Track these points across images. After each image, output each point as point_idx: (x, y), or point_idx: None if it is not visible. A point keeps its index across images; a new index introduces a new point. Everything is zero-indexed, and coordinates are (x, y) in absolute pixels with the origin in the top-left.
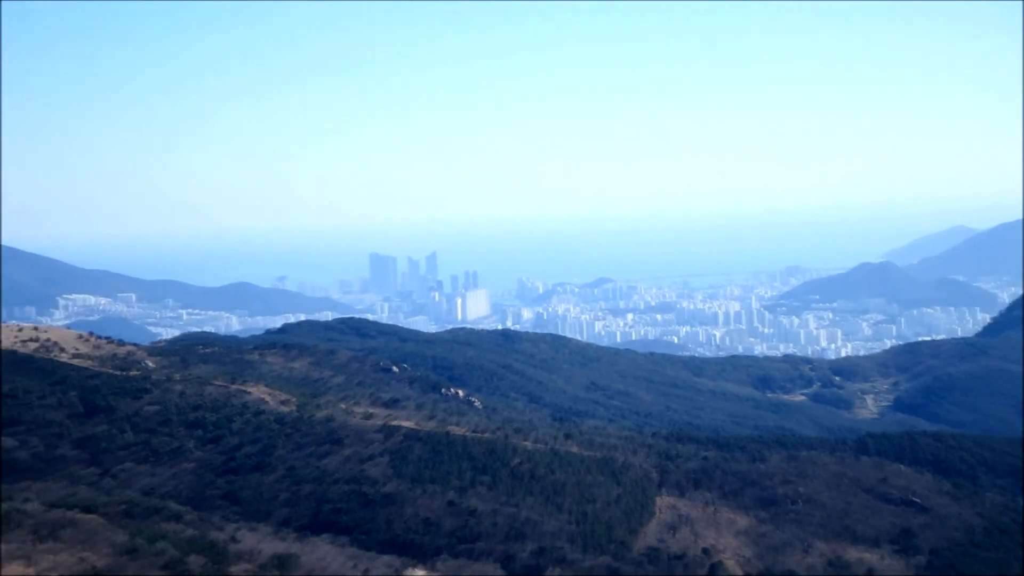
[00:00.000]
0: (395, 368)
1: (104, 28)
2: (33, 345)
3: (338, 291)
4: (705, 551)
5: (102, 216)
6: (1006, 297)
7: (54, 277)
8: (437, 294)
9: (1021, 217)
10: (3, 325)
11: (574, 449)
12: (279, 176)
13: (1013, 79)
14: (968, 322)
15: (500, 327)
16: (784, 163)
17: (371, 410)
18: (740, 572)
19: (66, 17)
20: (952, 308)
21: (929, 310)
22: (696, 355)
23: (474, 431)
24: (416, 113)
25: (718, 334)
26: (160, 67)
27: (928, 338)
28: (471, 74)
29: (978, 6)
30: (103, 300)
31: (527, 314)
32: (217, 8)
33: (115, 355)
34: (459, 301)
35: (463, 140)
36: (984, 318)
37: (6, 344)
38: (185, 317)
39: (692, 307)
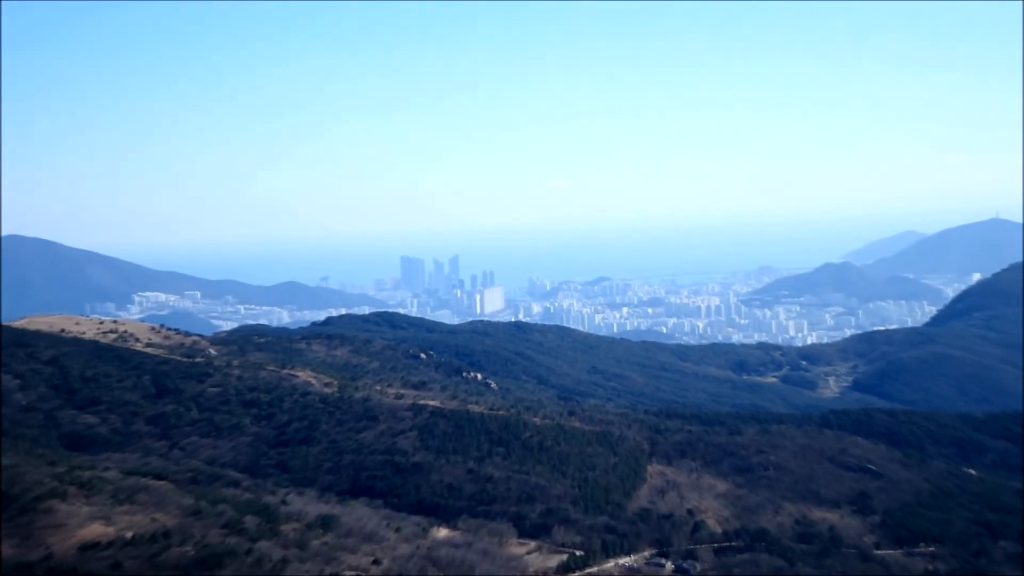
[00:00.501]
0: (423, 355)
1: (185, 51)
2: (112, 336)
3: (374, 289)
4: (689, 512)
5: (172, 224)
6: (950, 292)
7: (130, 278)
8: (459, 291)
9: (963, 224)
10: (87, 318)
11: (577, 424)
12: (324, 189)
13: (965, 100)
14: (917, 314)
15: (513, 319)
16: (757, 175)
17: (402, 391)
18: (719, 530)
19: (168, 28)
20: (903, 302)
21: (883, 303)
22: (682, 343)
23: (490, 409)
24: (444, 134)
25: (701, 325)
26: (218, 94)
27: (882, 328)
28: (486, 98)
29: (927, 24)
30: (172, 297)
31: (536, 308)
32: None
33: (182, 344)
34: (478, 297)
35: (480, 156)
36: (931, 310)
37: (90, 335)
38: (242, 312)
39: (678, 302)
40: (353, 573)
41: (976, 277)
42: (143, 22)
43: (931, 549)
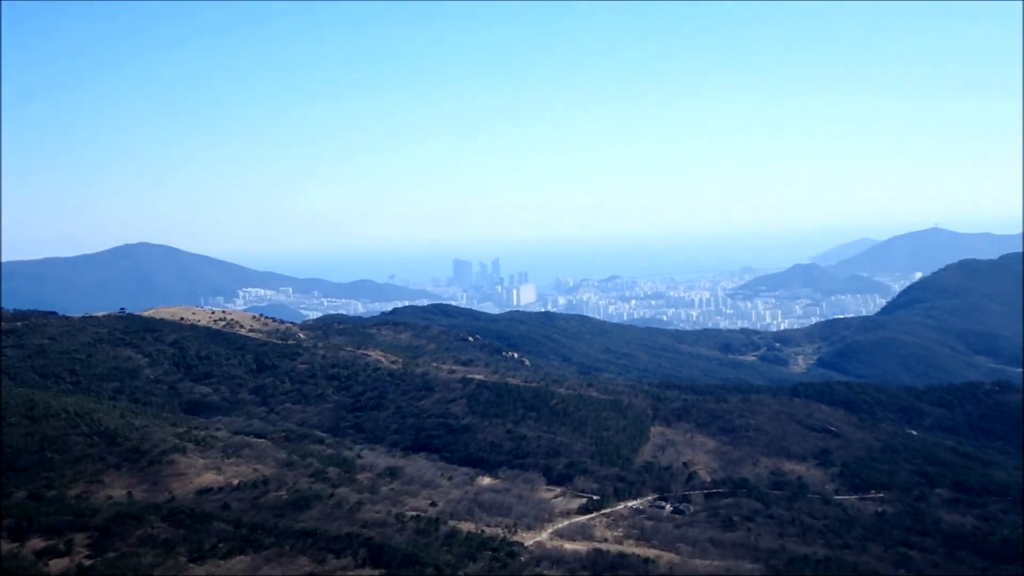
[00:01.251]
0: (470, 338)
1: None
2: (221, 323)
3: (431, 285)
4: (684, 464)
5: (269, 233)
6: (896, 288)
7: (236, 276)
8: (500, 287)
9: (908, 232)
10: (202, 309)
11: (594, 394)
12: (391, 204)
13: (913, 123)
14: (870, 305)
15: (543, 310)
16: (741, 192)
17: (453, 367)
18: (709, 479)
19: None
20: (858, 295)
21: (842, 297)
22: (678, 329)
23: (524, 381)
24: (488, 158)
25: (694, 314)
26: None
27: (841, 316)
28: (524, 128)
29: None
30: (269, 292)
31: (562, 300)
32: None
33: (277, 330)
34: (515, 292)
35: (518, 177)
36: (881, 302)
37: (204, 322)
38: (325, 304)
39: (676, 295)
40: (415, 513)
41: (918, 276)
42: (245, 47)
43: (880, 495)
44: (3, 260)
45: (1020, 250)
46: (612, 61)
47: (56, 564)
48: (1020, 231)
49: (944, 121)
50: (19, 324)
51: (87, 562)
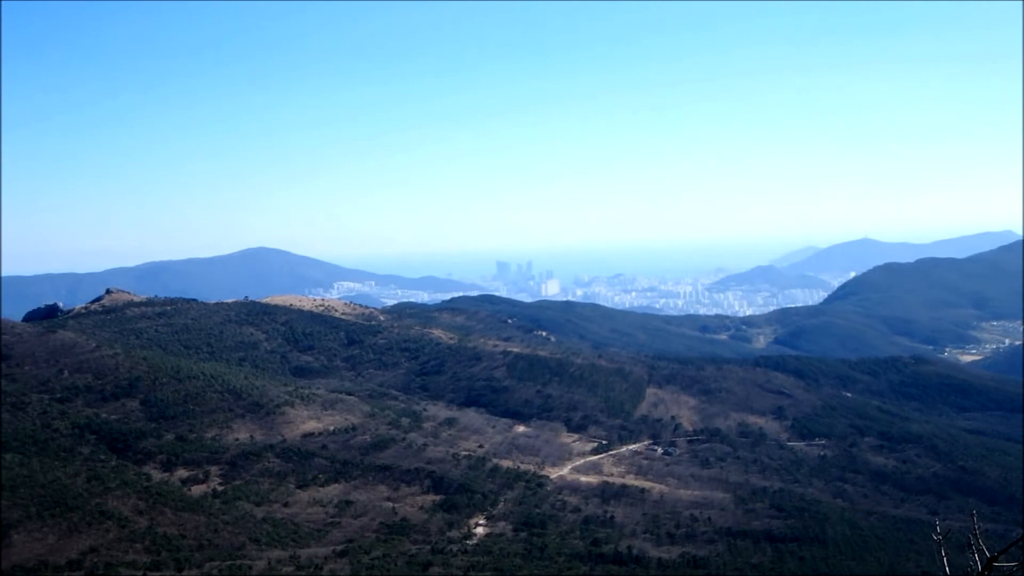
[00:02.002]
0: (509, 320)
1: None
2: (321, 308)
3: (480, 280)
4: (672, 417)
5: (357, 238)
6: (835, 284)
7: (331, 273)
8: (532, 282)
9: (845, 241)
10: (306, 297)
11: (603, 363)
12: (448, 214)
13: (850, 144)
14: (815, 297)
15: (564, 299)
16: (714, 207)
17: (496, 342)
18: (691, 428)
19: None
20: (806, 290)
21: (793, 291)
22: (668, 315)
23: (550, 353)
24: (522, 179)
25: (680, 303)
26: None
27: (792, 306)
28: (550, 153)
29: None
30: (357, 285)
31: (579, 292)
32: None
33: (363, 314)
34: (543, 286)
35: (543, 195)
36: (823, 295)
37: (307, 307)
38: (399, 294)
39: (666, 289)
40: (466, 452)
41: (851, 275)
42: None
43: (822, 442)
44: (156, 260)
45: (931, 256)
46: (618, 92)
47: (196, 489)
48: (930, 241)
49: (871, 150)
50: (169, 308)
51: (219, 488)
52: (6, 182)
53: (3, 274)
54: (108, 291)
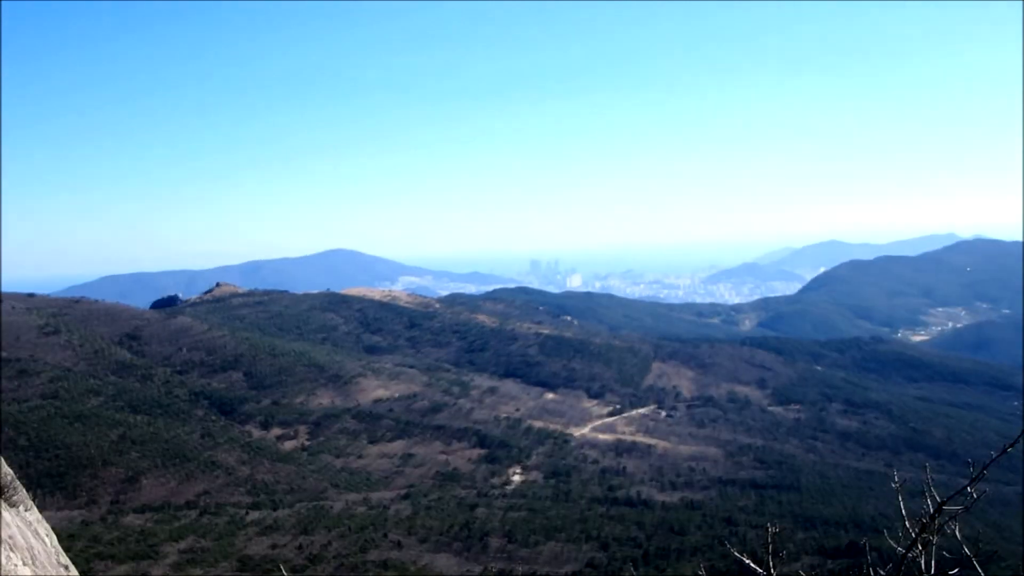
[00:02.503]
0: (540, 308)
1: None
2: (388, 298)
3: (516, 275)
4: (674, 386)
5: (417, 238)
6: (808, 277)
7: (396, 269)
8: (559, 276)
9: (816, 243)
10: (375, 289)
11: (617, 342)
12: (490, 219)
13: (820, 156)
14: (792, 289)
15: (585, 291)
16: (709, 211)
17: (529, 325)
18: (689, 395)
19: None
20: (784, 282)
21: (774, 283)
22: (670, 303)
23: (574, 335)
24: (542, 186)
25: (680, 293)
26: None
27: (773, 296)
28: (566, 166)
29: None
30: (416, 279)
31: (597, 284)
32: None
33: (421, 302)
34: (568, 279)
35: (567, 200)
36: (798, 287)
37: (376, 297)
38: (451, 286)
39: (669, 281)
40: (505, 415)
41: (822, 270)
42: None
43: (797, 407)
44: (256, 259)
45: (888, 254)
46: (632, 121)
47: (288, 444)
48: (887, 242)
49: (838, 165)
50: (265, 298)
51: (306, 443)
52: (145, 198)
53: (131, 271)
54: (217, 284)
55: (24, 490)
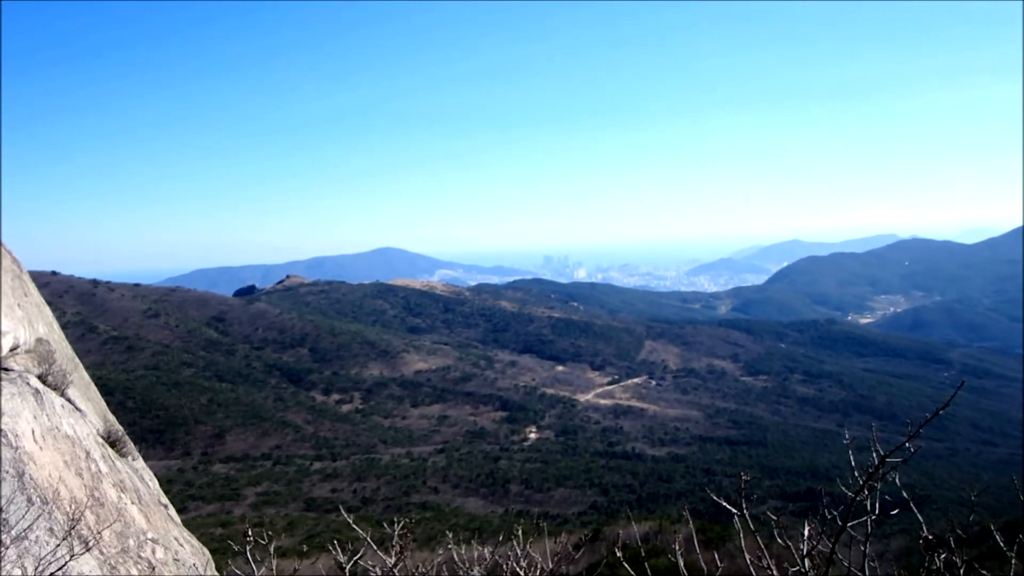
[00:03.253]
0: (552, 296)
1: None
2: (426, 287)
3: (532, 268)
4: (662, 360)
5: (451, 237)
6: (774, 270)
7: (434, 263)
8: (568, 269)
9: (781, 241)
10: (415, 280)
11: (615, 323)
12: (512, 221)
13: (789, 164)
14: (760, 280)
15: (590, 282)
16: (692, 214)
17: (543, 310)
18: (675, 368)
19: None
20: (754, 275)
21: (745, 275)
22: (659, 291)
23: (580, 318)
24: (557, 196)
25: (668, 283)
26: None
27: (745, 285)
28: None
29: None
30: (450, 271)
31: (599, 276)
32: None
33: (454, 291)
34: (575, 272)
35: (574, 203)
36: (765, 278)
37: (418, 287)
38: (479, 278)
39: (659, 273)
40: (524, 384)
41: (785, 264)
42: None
43: (764, 377)
44: (320, 255)
45: (840, 251)
46: (631, 137)
47: (345, 407)
48: (839, 241)
49: (797, 177)
50: (327, 288)
51: (360, 407)
52: (232, 208)
53: (218, 265)
54: (288, 276)
55: (132, 443)
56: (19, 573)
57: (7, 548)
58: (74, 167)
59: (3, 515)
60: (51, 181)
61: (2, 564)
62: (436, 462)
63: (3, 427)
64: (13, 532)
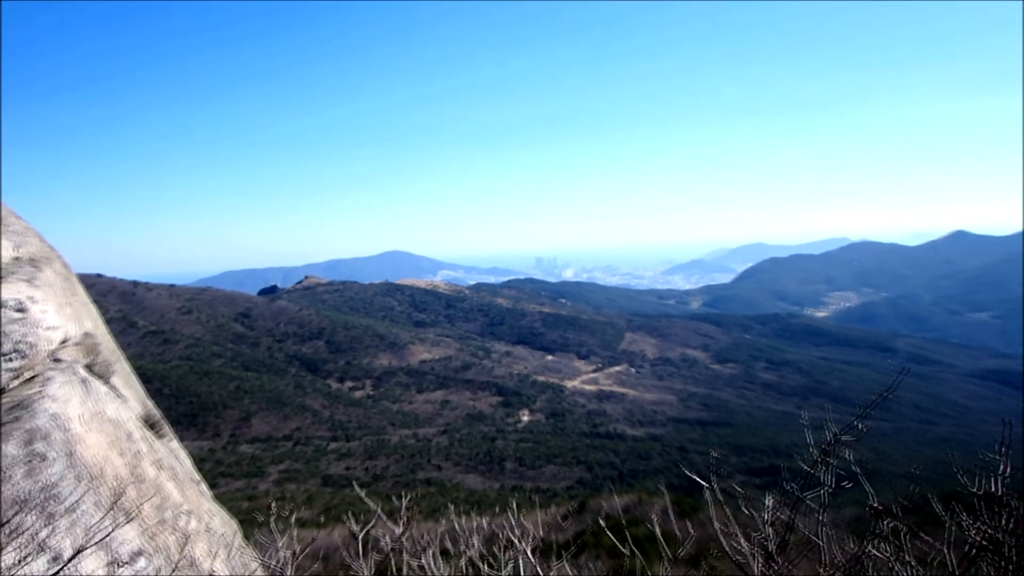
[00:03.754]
0: (543, 293)
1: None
2: (430, 286)
3: (525, 269)
4: (641, 350)
5: (452, 241)
6: (740, 270)
7: (436, 264)
8: (556, 269)
9: (746, 244)
10: (421, 279)
11: (600, 318)
12: (508, 227)
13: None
14: (728, 279)
15: (576, 281)
16: (666, 220)
17: (535, 306)
18: (652, 357)
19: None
20: (721, 274)
21: (715, 274)
22: (638, 289)
23: (568, 312)
24: (551, 202)
25: (645, 282)
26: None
27: (714, 283)
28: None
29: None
30: (451, 272)
31: (584, 276)
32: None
33: (455, 290)
34: (563, 272)
35: (564, 210)
36: (732, 277)
37: (422, 286)
38: (477, 278)
39: (637, 273)
40: (517, 372)
41: (750, 264)
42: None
43: (732, 365)
44: (334, 258)
45: (799, 253)
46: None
47: (358, 393)
48: (797, 243)
49: (758, 185)
50: (342, 287)
51: (371, 393)
52: (256, 216)
53: (244, 268)
54: (306, 277)
55: (168, 426)
56: (71, 541)
57: (61, 519)
58: (117, 181)
59: (56, 490)
60: (96, 193)
61: (57, 533)
62: (439, 442)
63: (55, 411)
64: (65, 505)
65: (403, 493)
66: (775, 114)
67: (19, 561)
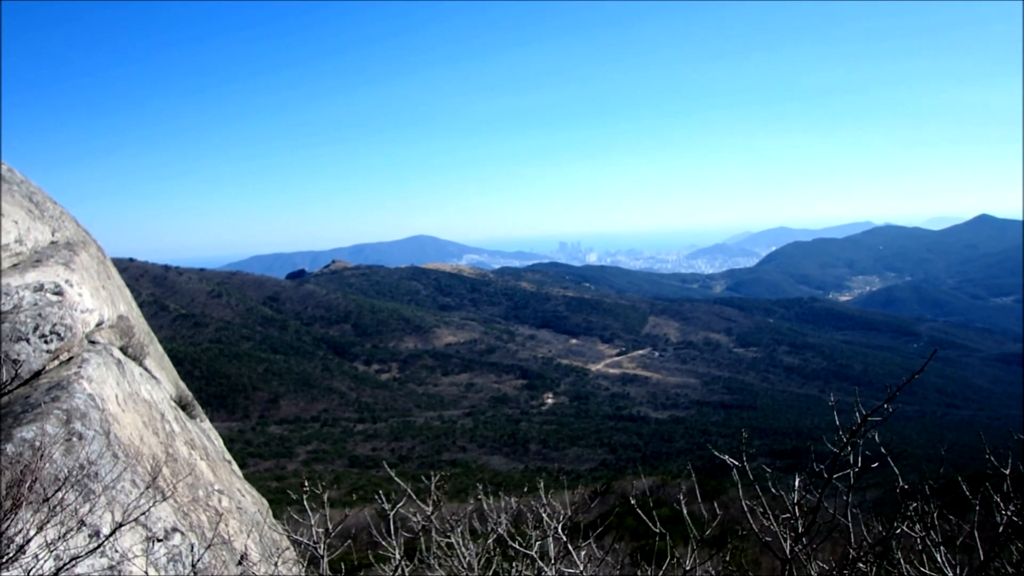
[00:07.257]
0: (567, 277)
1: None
2: (455, 270)
3: (549, 252)
4: (664, 334)
5: (477, 225)
6: (763, 254)
7: (461, 248)
8: (580, 253)
9: (768, 228)
10: (446, 263)
11: (623, 301)
12: (531, 211)
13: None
14: (751, 263)
15: (600, 265)
16: (689, 205)
17: (559, 290)
18: (675, 340)
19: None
20: (745, 258)
21: (738, 258)
22: (662, 273)
23: (592, 296)
24: (575, 188)
25: (669, 266)
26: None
27: (738, 268)
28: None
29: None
30: (476, 256)
31: (608, 260)
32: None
33: (479, 274)
34: (587, 256)
35: (589, 195)
36: (756, 261)
37: (448, 270)
38: (502, 262)
39: (661, 257)
40: (541, 355)
41: (773, 248)
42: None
43: (755, 349)
44: (361, 242)
45: (822, 237)
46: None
47: (384, 376)
48: (821, 227)
49: (784, 168)
50: (368, 271)
51: (397, 375)
52: (288, 198)
53: (272, 252)
54: (333, 261)
55: (199, 407)
56: (109, 517)
57: (99, 496)
58: (150, 167)
59: (94, 468)
60: (130, 179)
61: (96, 510)
62: (464, 424)
63: (92, 391)
64: (103, 483)
65: (431, 473)
66: (800, 100)
67: (60, 536)
